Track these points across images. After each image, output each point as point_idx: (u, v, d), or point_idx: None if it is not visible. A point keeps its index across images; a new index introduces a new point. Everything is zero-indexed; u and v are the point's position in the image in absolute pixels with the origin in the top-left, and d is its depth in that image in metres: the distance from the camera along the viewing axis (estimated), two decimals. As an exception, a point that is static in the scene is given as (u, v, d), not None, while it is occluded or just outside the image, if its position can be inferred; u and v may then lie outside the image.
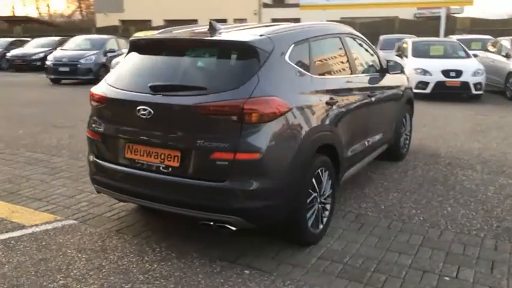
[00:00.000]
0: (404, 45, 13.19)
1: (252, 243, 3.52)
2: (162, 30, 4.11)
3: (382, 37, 17.47)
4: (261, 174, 3.02)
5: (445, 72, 11.39)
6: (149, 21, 31.97)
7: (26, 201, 4.41)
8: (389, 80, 5.16)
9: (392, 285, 2.98)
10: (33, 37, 23.49)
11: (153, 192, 3.26)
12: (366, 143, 4.54)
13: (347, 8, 22.07)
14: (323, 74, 3.90)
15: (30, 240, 3.59)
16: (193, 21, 29.95)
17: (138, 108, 3.15)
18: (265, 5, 33.22)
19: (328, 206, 3.71)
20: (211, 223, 3.14)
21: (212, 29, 3.55)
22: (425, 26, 23.11)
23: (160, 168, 3.17)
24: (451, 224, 3.93)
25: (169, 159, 3.14)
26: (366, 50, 4.98)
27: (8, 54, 20.99)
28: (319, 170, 3.47)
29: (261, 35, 3.36)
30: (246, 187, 2.99)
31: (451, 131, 7.76)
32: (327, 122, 3.60)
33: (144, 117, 3.14)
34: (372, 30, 21.17)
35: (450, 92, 11.51)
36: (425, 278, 3.07)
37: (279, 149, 3.09)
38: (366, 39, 5.02)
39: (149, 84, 3.23)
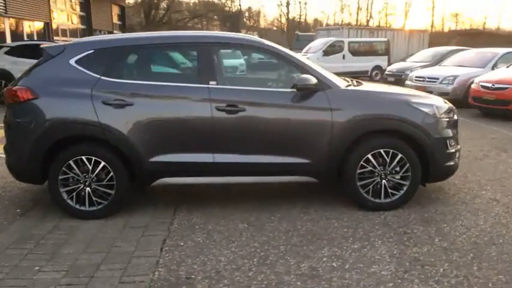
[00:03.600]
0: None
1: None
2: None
3: None
4: (9, 140, 4.26)
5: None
6: None
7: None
8: (312, 100, 4.21)
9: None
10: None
11: None
12: (212, 158, 4.20)
13: None
14: (124, 78, 4.19)
15: None
16: None
17: None
18: None
19: (110, 196, 4.19)
20: None
21: None
22: None
23: None
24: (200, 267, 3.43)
25: None
26: (274, 65, 4.76)
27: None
28: (83, 157, 4.11)
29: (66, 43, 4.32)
30: (5, 148, 4.34)
31: None
32: (97, 118, 4.03)
33: None
34: None
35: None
36: None
37: (19, 126, 4.14)
38: (283, 54, 4.46)
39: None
